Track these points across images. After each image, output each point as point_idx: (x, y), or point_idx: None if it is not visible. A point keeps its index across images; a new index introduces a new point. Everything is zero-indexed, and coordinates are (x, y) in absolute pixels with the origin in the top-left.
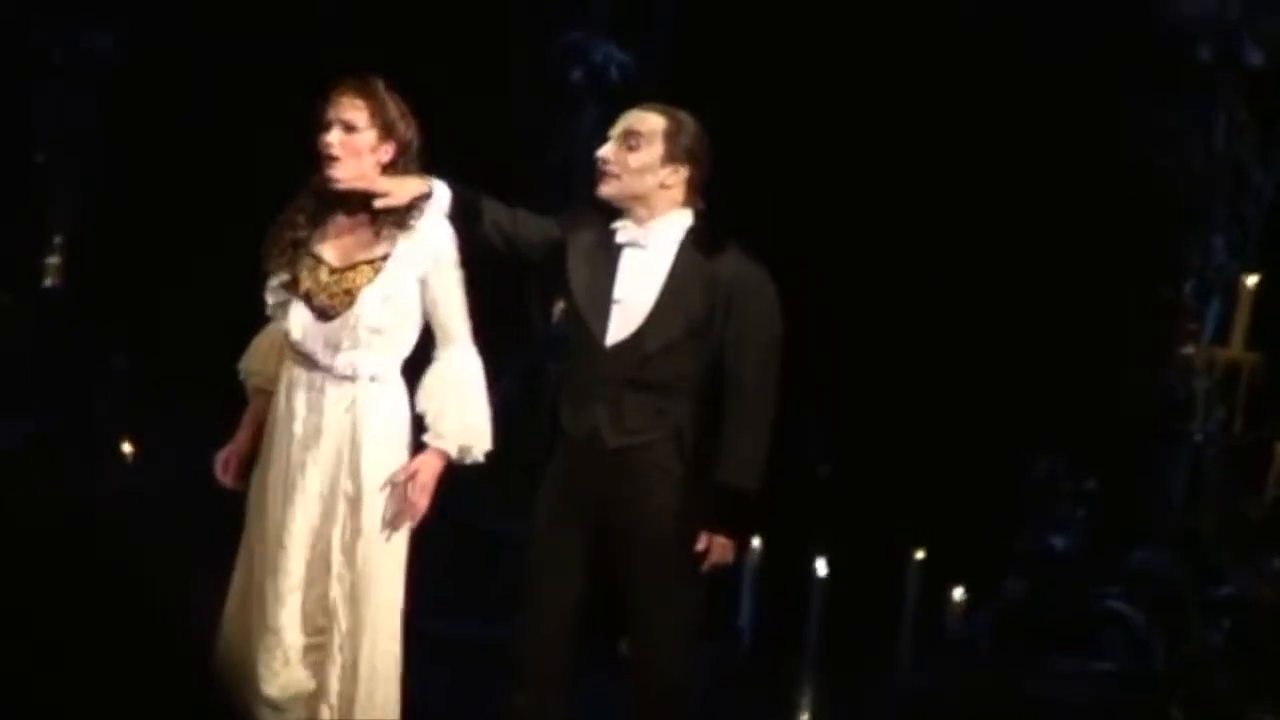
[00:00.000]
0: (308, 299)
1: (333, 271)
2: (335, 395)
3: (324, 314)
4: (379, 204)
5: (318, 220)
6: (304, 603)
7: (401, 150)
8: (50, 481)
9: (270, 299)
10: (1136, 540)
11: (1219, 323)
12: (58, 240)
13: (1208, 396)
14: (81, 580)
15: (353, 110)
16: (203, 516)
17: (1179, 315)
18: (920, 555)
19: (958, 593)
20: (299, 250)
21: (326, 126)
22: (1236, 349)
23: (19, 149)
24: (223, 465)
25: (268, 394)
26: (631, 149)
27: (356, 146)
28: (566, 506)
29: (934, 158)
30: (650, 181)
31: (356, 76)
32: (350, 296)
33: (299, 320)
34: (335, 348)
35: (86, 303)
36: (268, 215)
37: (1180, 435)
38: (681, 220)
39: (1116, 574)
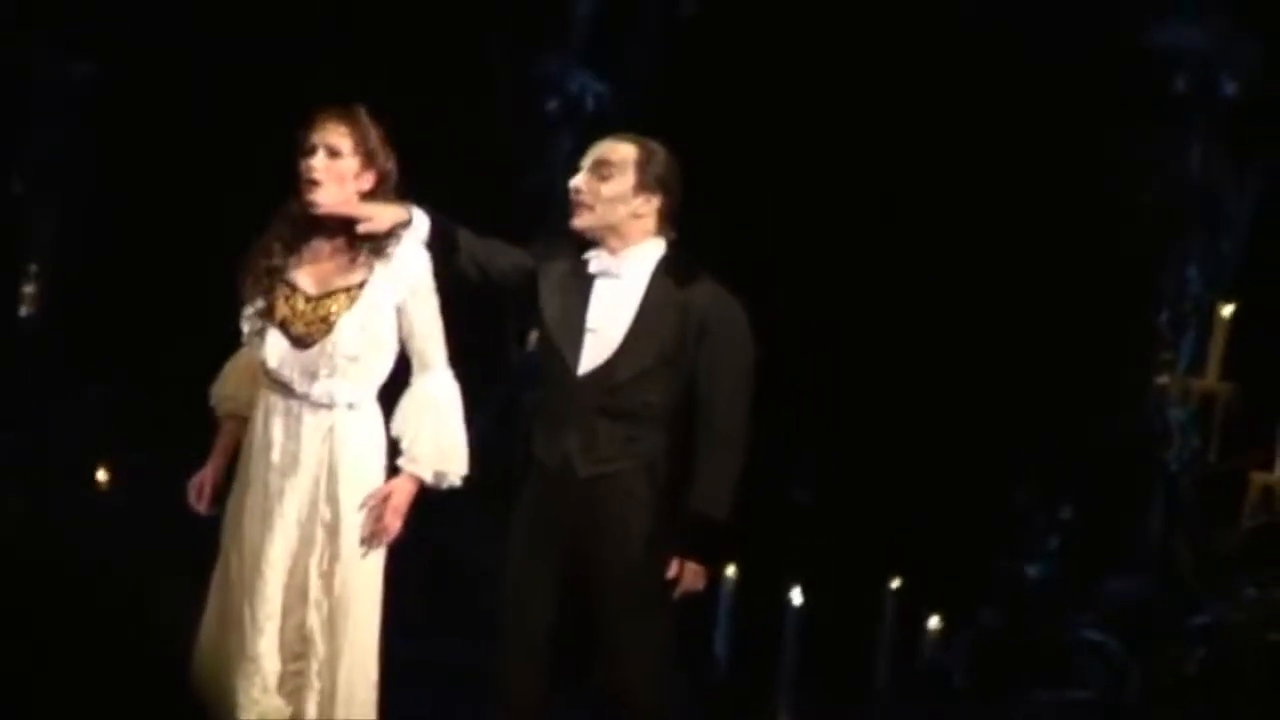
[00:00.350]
0: (284, 327)
1: (309, 299)
2: (312, 423)
3: (300, 342)
4: (361, 229)
5: (294, 247)
6: (282, 630)
7: (381, 179)
8: (20, 503)
9: (246, 326)
10: (1113, 569)
11: (1194, 352)
12: (34, 269)
13: (1183, 426)
14: (52, 600)
15: (337, 136)
16: (176, 542)
17: (1154, 345)
18: (896, 583)
19: (934, 621)
20: (275, 278)
21: (310, 151)
22: (1211, 379)
23: None
24: (196, 492)
25: (239, 420)
26: (604, 179)
27: (340, 172)
28: (540, 534)
29: (917, 183)
30: (623, 211)
31: (341, 103)
32: (327, 324)
33: (275, 348)
34: (312, 375)
35: (62, 331)
36: (245, 243)
37: (1156, 464)
38: (654, 249)
39: (1093, 602)
